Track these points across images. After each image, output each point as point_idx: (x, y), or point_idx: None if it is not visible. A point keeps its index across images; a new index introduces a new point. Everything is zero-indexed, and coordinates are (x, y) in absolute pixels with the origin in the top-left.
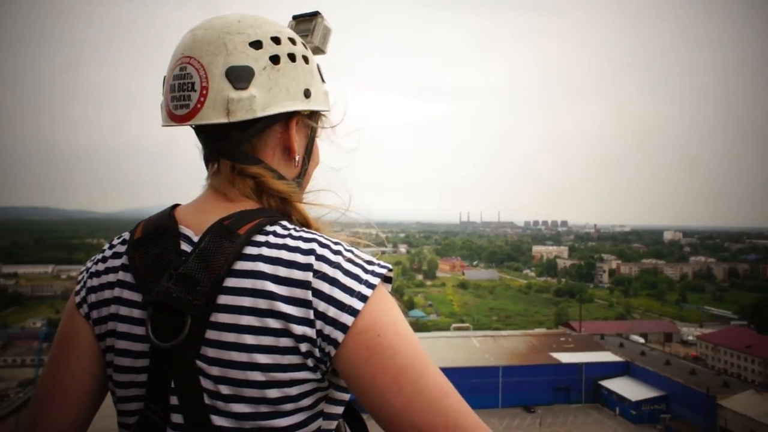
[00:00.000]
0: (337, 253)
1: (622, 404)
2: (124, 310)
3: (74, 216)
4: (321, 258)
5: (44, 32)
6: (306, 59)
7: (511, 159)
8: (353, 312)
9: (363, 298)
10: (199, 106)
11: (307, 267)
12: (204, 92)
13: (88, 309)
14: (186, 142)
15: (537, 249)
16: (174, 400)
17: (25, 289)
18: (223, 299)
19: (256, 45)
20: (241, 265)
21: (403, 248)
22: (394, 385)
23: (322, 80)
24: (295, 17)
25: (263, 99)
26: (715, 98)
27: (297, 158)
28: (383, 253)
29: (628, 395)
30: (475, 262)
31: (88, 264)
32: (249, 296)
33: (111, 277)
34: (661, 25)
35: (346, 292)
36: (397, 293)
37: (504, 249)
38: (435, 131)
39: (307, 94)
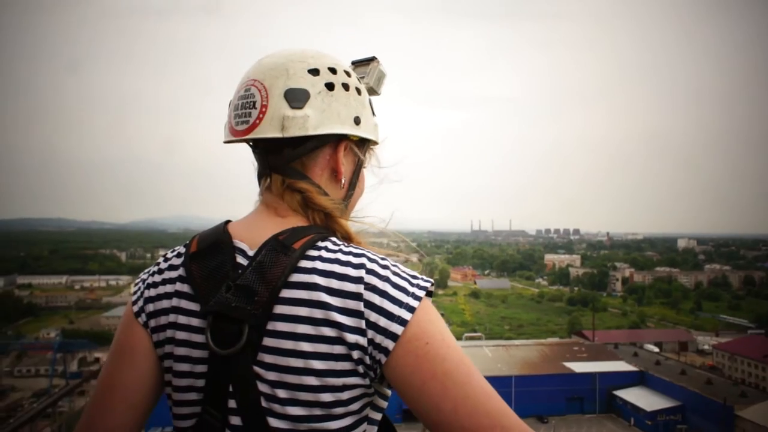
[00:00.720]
0: (385, 267)
1: (637, 414)
2: (182, 319)
3: (87, 227)
4: (371, 272)
5: (55, 41)
6: (359, 91)
7: (523, 167)
8: (403, 322)
9: (411, 309)
10: (257, 121)
11: (358, 280)
12: (263, 110)
13: (146, 318)
14: (196, 157)
15: (549, 257)
16: (232, 403)
17: (39, 300)
18: (280, 309)
19: (314, 72)
20: (297, 278)
21: (414, 257)
22: (442, 390)
23: (373, 114)
24: (353, 62)
25: (316, 119)
26: (728, 104)
27: (343, 181)
28: (421, 260)
29: (643, 405)
30: (486, 271)
31: (144, 276)
32: (305, 306)
33: (169, 288)
34: (672, 31)
35: (395, 304)
36: None
37: (516, 257)
38: (446, 140)
39: (357, 121)
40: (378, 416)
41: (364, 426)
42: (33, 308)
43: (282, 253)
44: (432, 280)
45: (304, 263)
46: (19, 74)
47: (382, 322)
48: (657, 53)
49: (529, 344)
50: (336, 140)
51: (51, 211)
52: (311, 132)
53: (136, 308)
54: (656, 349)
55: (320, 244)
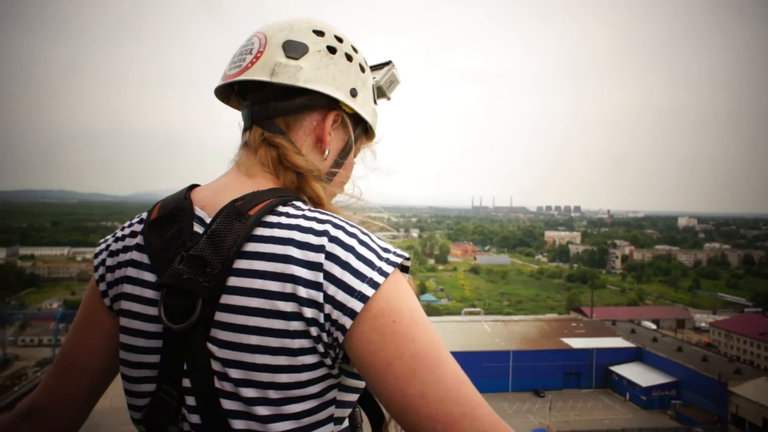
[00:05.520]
0: (351, 236)
1: (632, 390)
2: (136, 290)
3: (89, 199)
4: (334, 240)
5: (55, 14)
6: (362, 68)
7: (525, 144)
8: (363, 298)
9: (374, 285)
10: (249, 65)
11: (319, 248)
12: (258, 55)
13: (106, 287)
14: (199, 129)
15: (549, 234)
16: (186, 382)
17: (41, 271)
18: (234, 281)
19: (319, 33)
20: (252, 247)
21: (414, 233)
22: (409, 372)
23: (375, 102)
24: (370, 66)
25: (309, 74)
26: (733, 84)
27: (327, 152)
28: (394, 238)
29: (638, 381)
30: (487, 247)
31: (109, 240)
32: (260, 278)
33: (127, 256)
34: (686, 9)
35: (357, 277)
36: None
37: (516, 234)
38: (449, 115)
39: (353, 93)
40: (351, 397)
41: (331, 409)
42: (35, 279)
43: (237, 221)
44: (407, 255)
45: (261, 231)
46: (22, 47)
47: (340, 296)
48: (670, 29)
49: (528, 320)
50: (327, 108)
51: (53, 182)
52: (301, 83)
53: (97, 276)
54: (654, 326)
55: (281, 209)
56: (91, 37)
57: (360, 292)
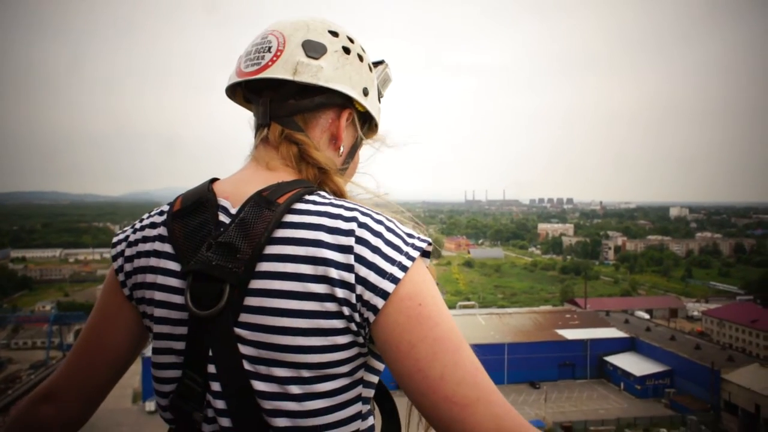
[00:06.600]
0: (378, 222)
1: (626, 379)
2: (161, 279)
3: (81, 200)
4: (363, 225)
5: (49, 17)
6: (370, 68)
7: (516, 137)
8: (394, 280)
9: (403, 268)
10: (270, 63)
11: (349, 233)
12: (278, 54)
13: (124, 277)
14: (196, 128)
15: (542, 227)
16: (212, 368)
17: (33, 273)
18: (264, 266)
19: (334, 34)
20: (282, 233)
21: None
22: (431, 355)
23: (379, 99)
24: None
25: (328, 73)
26: (725, 78)
27: (342, 149)
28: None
29: (633, 370)
30: (480, 241)
31: (128, 231)
32: (291, 262)
33: (147, 246)
34: (680, 4)
35: (387, 261)
36: None
37: (509, 227)
38: (440, 109)
39: (365, 92)
40: (374, 379)
41: (359, 389)
42: (27, 281)
43: (266, 208)
44: (429, 240)
45: (290, 218)
46: (14, 49)
47: (372, 277)
48: (664, 21)
49: (522, 312)
50: (341, 106)
51: (45, 184)
52: (322, 83)
53: (115, 266)
54: (647, 316)
55: (308, 197)
56: (89, 36)
57: (391, 274)
